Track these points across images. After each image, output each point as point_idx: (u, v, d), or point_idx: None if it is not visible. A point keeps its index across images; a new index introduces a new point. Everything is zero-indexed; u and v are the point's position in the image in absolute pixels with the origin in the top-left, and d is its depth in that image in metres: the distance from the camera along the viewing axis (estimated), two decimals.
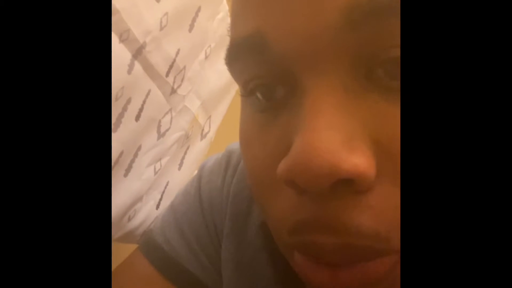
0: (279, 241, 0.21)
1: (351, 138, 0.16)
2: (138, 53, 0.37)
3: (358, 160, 0.16)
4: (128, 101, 0.37)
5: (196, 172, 0.38)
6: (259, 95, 0.20)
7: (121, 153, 0.38)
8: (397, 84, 0.16)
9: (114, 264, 0.36)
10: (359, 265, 0.17)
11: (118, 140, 0.37)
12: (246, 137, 0.21)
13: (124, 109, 0.37)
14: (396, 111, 0.16)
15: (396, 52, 0.16)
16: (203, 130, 0.51)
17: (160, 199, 0.45)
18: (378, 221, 0.16)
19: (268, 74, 0.19)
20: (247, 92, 0.21)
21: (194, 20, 0.43)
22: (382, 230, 0.16)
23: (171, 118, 0.43)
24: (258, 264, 0.28)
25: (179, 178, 0.48)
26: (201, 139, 0.51)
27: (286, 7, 0.17)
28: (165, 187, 0.46)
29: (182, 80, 0.44)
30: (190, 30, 0.43)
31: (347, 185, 0.16)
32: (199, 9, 0.44)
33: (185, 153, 0.49)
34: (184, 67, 0.44)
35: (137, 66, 0.37)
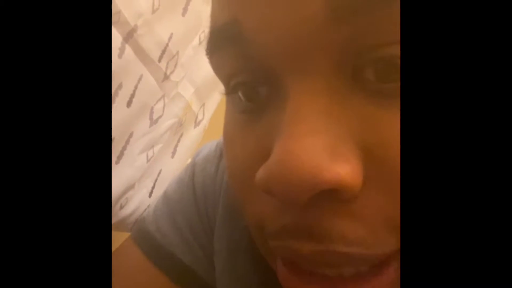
0: (260, 245, 0.20)
1: (335, 145, 0.15)
2: (129, 36, 0.36)
3: (342, 170, 0.14)
4: (119, 86, 0.36)
5: (189, 160, 0.37)
6: (240, 94, 0.18)
7: (112, 140, 0.37)
8: (386, 87, 0.15)
9: None
10: (351, 283, 0.16)
11: None
12: (228, 137, 0.20)
13: (115, 94, 0.36)
14: (385, 115, 0.15)
15: (387, 51, 0.15)
16: (196, 117, 0.50)
17: (153, 187, 0.44)
18: (363, 228, 0.15)
19: (249, 71, 0.18)
20: (229, 89, 0.19)
21: (187, 3, 0.42)
22: (368, 237, 0.15)
23: (164, 104, 0.42)
24: (248, 261, 0.28)
25: (172, 166, 0.47)
26: (195, 127, 0.50)
27: None
28: (158, 175, 0.45)
29: (175, 66, 0.43)
30: (183, 14, 0.42)
31: (330, 194, 0.15)
32: None
33: (179, 140, 0.48)
34: (177, 53, 0.43)
35: (128, 50, 0.36)
